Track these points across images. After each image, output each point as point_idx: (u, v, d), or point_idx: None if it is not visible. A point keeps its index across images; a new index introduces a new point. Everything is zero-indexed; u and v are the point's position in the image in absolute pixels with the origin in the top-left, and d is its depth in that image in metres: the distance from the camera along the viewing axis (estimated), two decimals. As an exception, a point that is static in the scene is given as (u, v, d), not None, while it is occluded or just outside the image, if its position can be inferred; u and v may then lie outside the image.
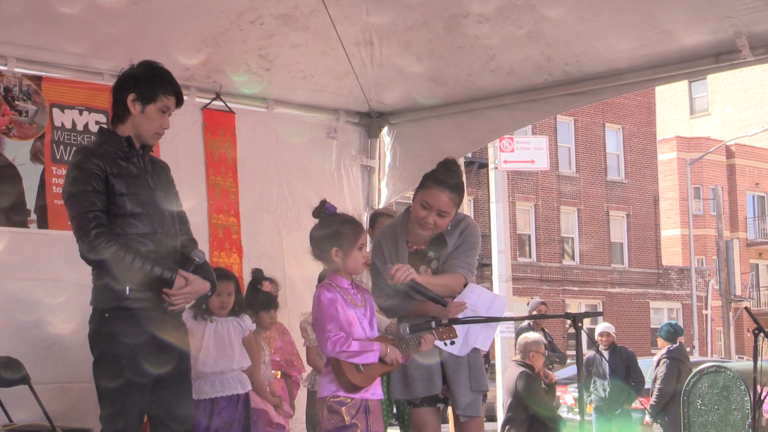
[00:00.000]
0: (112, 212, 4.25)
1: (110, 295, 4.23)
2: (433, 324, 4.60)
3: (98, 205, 4.21)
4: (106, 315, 4.25)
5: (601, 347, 11.43)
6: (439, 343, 4.67)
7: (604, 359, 11.19)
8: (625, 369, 11.22)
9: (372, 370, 4.47)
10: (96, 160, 4.25)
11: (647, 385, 12.11)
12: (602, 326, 11.67)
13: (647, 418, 10.51)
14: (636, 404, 12.79)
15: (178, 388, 4.42)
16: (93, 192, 4.21)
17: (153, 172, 4.47)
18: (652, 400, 10.50)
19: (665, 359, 10.55)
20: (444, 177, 4.86)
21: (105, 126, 4.72)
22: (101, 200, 4.22)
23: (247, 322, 5.65)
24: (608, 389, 11.07)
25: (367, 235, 4.90)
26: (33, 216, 5.97)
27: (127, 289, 4.22)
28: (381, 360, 4.46)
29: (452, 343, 4.68)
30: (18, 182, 5.93)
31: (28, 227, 5.95)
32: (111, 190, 4.25)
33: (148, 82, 4.37)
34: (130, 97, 4.35)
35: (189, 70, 6.37)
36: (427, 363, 4.81)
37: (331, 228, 4.49)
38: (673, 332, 10.89)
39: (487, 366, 5.11)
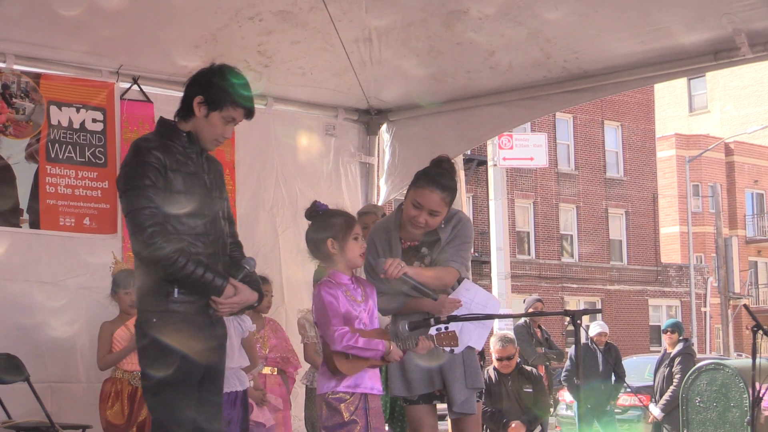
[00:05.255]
0: (166, 208, 4.06)
1: (157, 298, 4.06)
2: (432, 321, 4.58)
3: (155, 201, 4.02)
4: (154, 321, 4.06)
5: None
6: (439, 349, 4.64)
7: (597, 357, 11.02)
8: (612, 366, 11.02)
9: (360, 361, 4.41)
10: (157, 153, 4.07)
11: (647, 383, 12.05)
12: (597, 326, 11.28)
13: (654, 413, 10.32)
14: (630, 402, 12.72)
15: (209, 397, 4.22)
16: (151, 187, 4.02)
17: (209, 170, 4.29)
18: (666, 397, 10.15)
19: (680, 355, 10.29)
20: (436, 176, 4.81)
21: (168, 121, 4.36)
22: (158, 195, 4.04)
23: (247, 323, 5.64)
24: (602, 387, 10.93)
25: None
26: (25, 216, 5.94)
27: (176, 291, 4.05)
28: (383, 358, 4.44)
29: (452, 351, 4.61)
30: (12, 182, 5.92)
31: (21, 227, 5.93)
32: (168, 186, 4.08)
33: (219, 89, 4.16)
34: (197, 99, 4.15)
35: (187, 66, 6.35)
36: (428, 366, 4.79)
37: (324, 223, 4.48)
38: (683, 328, 10.83)
39: (482, 363, 5.09)
